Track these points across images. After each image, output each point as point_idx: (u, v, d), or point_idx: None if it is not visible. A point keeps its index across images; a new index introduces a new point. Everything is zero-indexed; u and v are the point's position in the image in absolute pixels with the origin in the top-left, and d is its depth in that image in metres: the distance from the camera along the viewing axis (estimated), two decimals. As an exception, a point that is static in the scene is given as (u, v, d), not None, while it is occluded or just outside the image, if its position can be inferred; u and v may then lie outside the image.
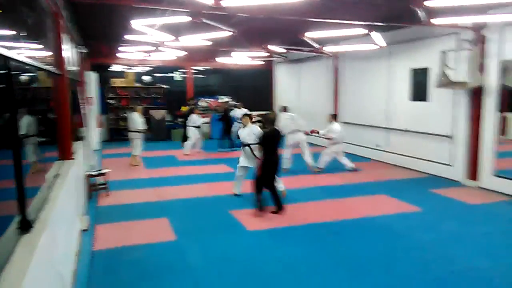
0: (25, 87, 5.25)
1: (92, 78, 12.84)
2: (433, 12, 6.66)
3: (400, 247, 5.10)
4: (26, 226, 2.67)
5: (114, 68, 16.07)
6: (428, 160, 9.25)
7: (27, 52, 3.89)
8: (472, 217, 6.31)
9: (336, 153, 9.48)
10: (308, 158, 9.40)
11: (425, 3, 5.29)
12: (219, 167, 9.89)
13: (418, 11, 6.04)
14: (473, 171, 8.14)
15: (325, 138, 9.59)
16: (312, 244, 5.17)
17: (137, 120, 10.23)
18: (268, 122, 6.40)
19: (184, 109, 13.45)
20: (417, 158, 9.54)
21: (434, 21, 6.54)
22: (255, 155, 6.64)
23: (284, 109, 9.96)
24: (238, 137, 7.40)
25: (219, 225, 5.90)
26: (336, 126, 9.34)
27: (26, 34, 4.08)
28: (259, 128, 6.89)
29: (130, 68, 16.26)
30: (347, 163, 9.54)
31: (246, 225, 5.80)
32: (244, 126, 7.18)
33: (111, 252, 4.84)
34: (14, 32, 3.30)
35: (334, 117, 9.63)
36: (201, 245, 5.11)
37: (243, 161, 7.08)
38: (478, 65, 7.62)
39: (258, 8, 6.83)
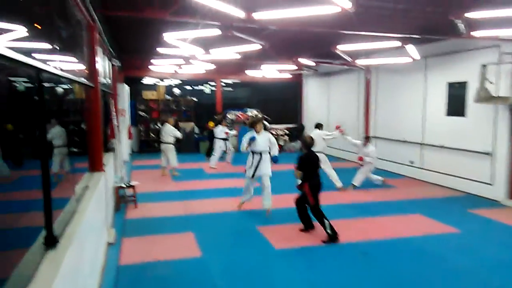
0: (61, 99, 5.39)
1: (124, 90, 13.12)
2: (473, 24, 6.37)
3: (437, 272, 4.77)
4: (52, 241, 2.62)
5: (146, 81, 16.42)
6: (465, 178, 8.79)
7: (61, 64, 3.95)
8: (516, 242, 5.88)
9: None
10: (333, 174, 9.09)
11: (465, 15, 5.03)
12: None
13: (458, 23, 5.75)
14: (515, 191, 7.65)
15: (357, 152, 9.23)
16: (341, 266, 4.93)
17: (169, 131, 10.31)
18: (305, 146, 6.12)
19: (211, 124, 13.45)
20: (454, 176, 9.08)
21: (474, 33, 6.23)
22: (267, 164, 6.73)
23: (318, 126, 9.50)
24: (248, 146, 7.00)
25: (246, 242, 5.75)
26: (371, 148, 9.03)
27: (61, 46, 4.15)
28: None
29: (161, 81, 16.56)
30: (374, 178, 9.20)
31: (273, 243, 5.62)
32: (257, 132, 7.01)
33: (137, 268, 4.77)
34: (49, 45, 3.33)
35: (368, 139, 9.27)
36: (226, 263, 4.97)
37: (251, 171, 6.93)
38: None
39: (289, 20, 6.75)
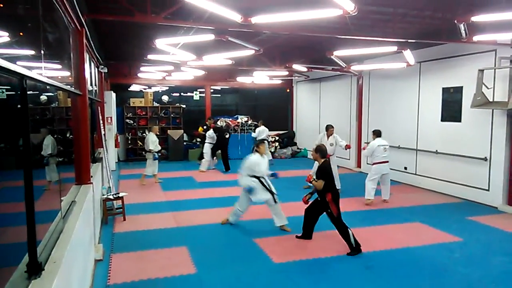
0: (44, 107, 5.05)
1: (111, 98, 12.74)
2: (472, 28, 6.27)
3: (446, 284, 4.57)
4: (35, 269, 2.31)
5: (133, 87, 16.04)
6: (461, 184, 8.68)
7: (46, 71, 3.65)
8: (521, 250, 5.73)
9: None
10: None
11: (472, 18, 4.89)
12: (240, 189, 9.44)
13: (461, 28, 5.62)
14: (513, 197, 7.56)
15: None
16: (344, 279, 4.69)
17: (149, 140, 10.07)
18: (322, 155, 5.77)
19: (201, 130, 13.19)
20: (450, 182, 8.97)
21: (475, 38, 6.13)
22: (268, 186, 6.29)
23: (328, 129, 9.28)
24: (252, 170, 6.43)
25: (243, 256, 5.46)
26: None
27: (46, 52, 3.85)
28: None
29: (149, 88, 16.20)
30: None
31: (272, 257, 5.35)
32: (261, 155, 6.49)
33: (127, 287, 4.44)
34: (34, 51, 3.05)
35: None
36: (223, 280, 4.67)
37: (263, 195, 6.42)
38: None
39: (285, 25, 6.57)
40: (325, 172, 5.60)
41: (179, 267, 5.00)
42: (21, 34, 2.86)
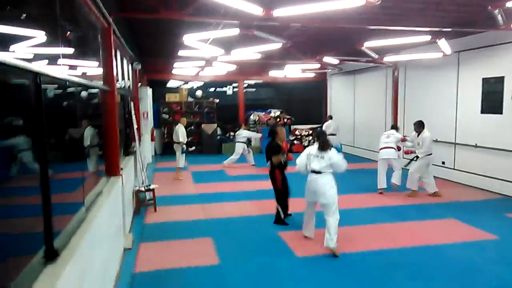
0: (86, 102, 5.32)
1: (147, 93, 13.15)
2: (509, 15, 5.88)
3: (475, 284, 4.37)
4: (51, 254, 2.47)
5: (171, 83, 16.47)
6: (502, 180, 8.22)
7: (74, 68, 3.85)
8: None
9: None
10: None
11: (507, 4, 4.58)
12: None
13: (498, 15, 5.29)
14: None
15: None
16: (368, 277, 4.59)
17: (179, 132, 10.13)
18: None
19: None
20: (489, 177, 8.51)
21: (512, 24, 5.75)
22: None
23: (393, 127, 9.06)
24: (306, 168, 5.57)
25: (266, 249, 5.49)
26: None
27: (74, 51, 4.05)
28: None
29: (185, 83, 16.56)
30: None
31: (295, 250, 5.34)
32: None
33: (152, 275, 4.61)
34: (60, 50, 3.22)
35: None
36: (245, 271, 4.73)
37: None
38: None
39: (312, 17, 6.47)
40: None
41: (203, 258, 5.12)
42: (47, 32, 3.00)
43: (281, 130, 6.70)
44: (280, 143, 6.52)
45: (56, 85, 3.24)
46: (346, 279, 4.52)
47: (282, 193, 6.48)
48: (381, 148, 8.60)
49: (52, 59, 2.97)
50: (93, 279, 3.24)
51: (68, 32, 3.50)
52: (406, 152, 8.84)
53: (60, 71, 3.03)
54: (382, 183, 8.51)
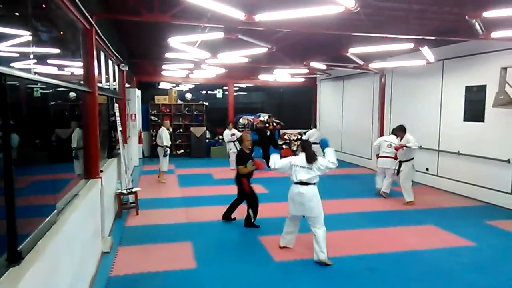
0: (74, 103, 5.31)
1: (135, 95, 13.10)
2: (492, 25, 5.98)
3: (449, 291, 4.42)
4: (15, 257, 2.45)
5: (162, 85, 16.43)
6: (483, 187, 8.32)
7: (52, 69, 3.84)
8: (538, 258, 5.43)
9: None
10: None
11: (483, 14, 4.66)
12: (254, 187, 9.47)
13: (474, 24, 5.38)
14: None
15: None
16: (345, 281, 4.62)
17: (163, 135, 10.11)
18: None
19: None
20: (471, 184, 8.61)
21: (493, 34, 5.84)
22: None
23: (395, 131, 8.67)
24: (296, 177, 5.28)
25: (244, 253, 5.50)
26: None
27: (52, 51, 4.04)
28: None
29: (177, 86, 16.54)
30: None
31: (273, 255, 5.35)
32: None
33: (127, 279, 4.59)
34: (41, 49, 3.22)
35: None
36: (221, 276, 4.73)
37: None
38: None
39: (297, 22, 6.51)
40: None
41: (180, 262, 5.11)
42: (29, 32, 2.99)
43: (246, 137, 6.72)
44: (246, 151, 6.56)
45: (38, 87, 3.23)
46: (324, 284, 4.54)
47: (250, 196, 6.57)
48: (380, 156, 8.65)
49: (21, 59, 2.95)
50: (61, 282, 3.21)
51: (42, 32, 3.48)
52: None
53: (29, 72, 3.00)
54: (379, 184, 8.84)
